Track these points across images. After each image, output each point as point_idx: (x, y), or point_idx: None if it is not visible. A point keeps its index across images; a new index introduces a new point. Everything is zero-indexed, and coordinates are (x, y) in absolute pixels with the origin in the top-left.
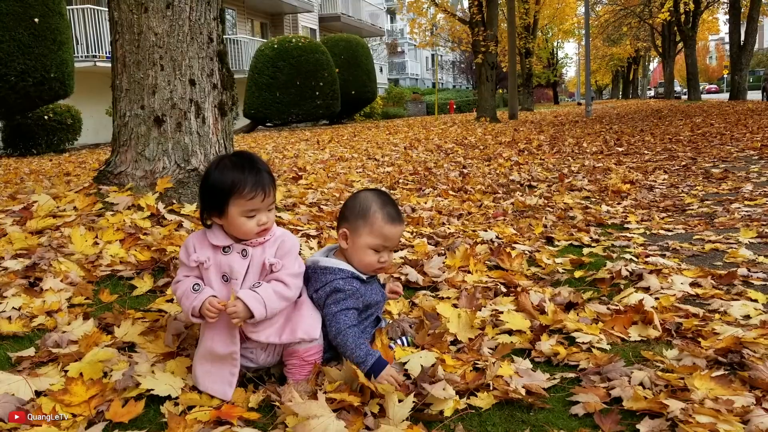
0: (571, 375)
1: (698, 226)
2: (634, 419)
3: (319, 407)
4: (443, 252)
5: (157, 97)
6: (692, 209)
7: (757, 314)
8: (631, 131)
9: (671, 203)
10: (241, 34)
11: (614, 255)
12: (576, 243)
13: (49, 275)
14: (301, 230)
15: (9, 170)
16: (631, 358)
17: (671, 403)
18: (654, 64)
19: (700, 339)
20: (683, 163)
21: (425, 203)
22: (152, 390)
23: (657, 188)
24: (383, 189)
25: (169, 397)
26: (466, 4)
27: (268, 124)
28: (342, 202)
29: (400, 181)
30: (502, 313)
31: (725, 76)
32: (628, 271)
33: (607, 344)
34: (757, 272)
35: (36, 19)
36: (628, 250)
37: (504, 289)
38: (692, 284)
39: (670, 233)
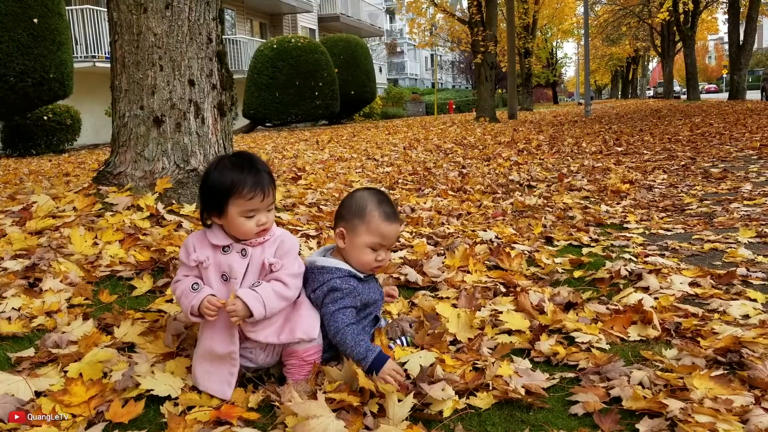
0: (571, 375)
1: (697, 226)
2: (633, 419)
3: (318, 407)
4: (442, 252)
5: (157, 98)
6: (691, 209)
7: (756, 314)
8: (631, 131)
9: (670, 203)
10: (240, 35)
11: (613, 255)
12: (575, 243)
13: (49, 276)
14: (301, 230)
15: (8, 171)
16: (631, 357)
17: (670, 402)
18: (653, 64)
19: (699, 338)
20: (682, 163)
21: (424, 203)
22: (152, 390)
23: (656, 188)
24: (380, 188)
25: (168, 398)
26: (465, 4)
27: (268, 125)
28: None
29: (400, 181)
30: (501, 313)
31: (724, 75)
32: (627, 270)
33: (607, 344)
34: (756, 272)
35: (35, 20)
36: (627, 249)
37: (503, 289)
38: (691, 284)
39: (669, 233)
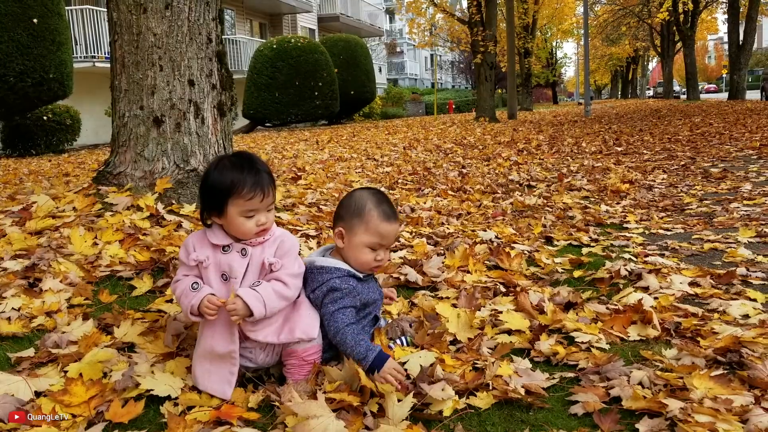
0: (571, 374)
1: (697, 226)
2: (633, 418)
3: (318, 407)
4: (442, 252)
5: (156, 98)
6: (691, 209)
7: (756, 313)
8: (630, 131)
9: (670, 203)
10: (240, 35)
11: (613, 254)
12: (575, 243)
13: (49, 276)
14: (301, 230)
15: (8, 171)
16: (630, 357)
17: (670, 402)
18: (653, 64)
19: (699, 338)
20: (682, 163)
21: (424, 203)
22: (152, 390)
23: (656, 188)
24: (379, 188)
25: (168, 398)
26: (464, 4)
27: (267, 125)
28: None
29: (399, 181)
30: (501, 312)
31: (724, 75)
32: (627, 270)
33: (606, 344)
34: (755, 271)
35: (35, 20)
36: (627, 249)
37: (503, 289)
38: (691, 284)
39: (669, 233)
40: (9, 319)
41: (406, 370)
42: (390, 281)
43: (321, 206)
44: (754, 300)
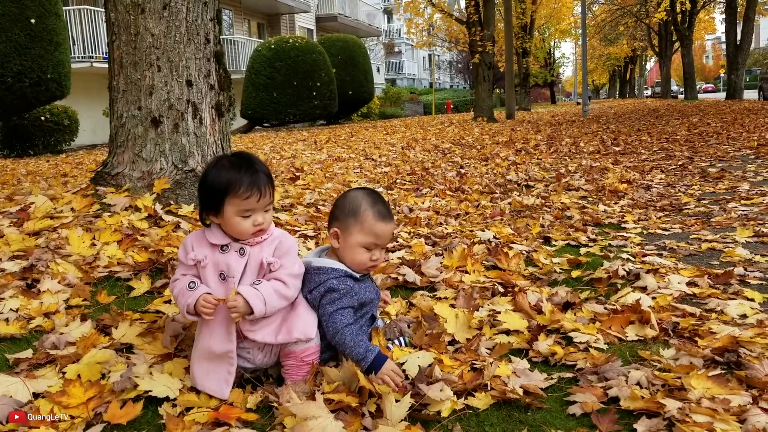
0: (569, 375)
1: (695, 226)
2: (631, 419)
3: (317, 408)
4: (441, 252)
5: (154, 98)
6: (689, 209)
7: (754, 313)
8: (628, 131)
9: (668, 203)
10: (238, 35)
11: (611, 254)
12: (573, 243)
13: (47, 277)
14: (299, 231)
15: (6, 171)
16: (629, 357)
17: (668, 402)
18: (651, 64)
19: (696, 338)
20: (680, 163)
21: (423, 203)
22: (150, 391)
23: (654, 188)
24: (375, 188)
25: (167, 399)
26: (462, 4)
27: (266, 125)
28: None
29: (398, 181)
30: (499, 313)
31: (722, 75)
32: (625, 270)
33: (605, 344)
34: (753, 271)
35: (32, 20)
36: (625, 249)
37: (501, 289)
38: (689, 284)
39: (667, 233)
40: (7, 320)
41: (404, 370)
42: (388, 281)
43: (319, 206)
44: (752, 300)
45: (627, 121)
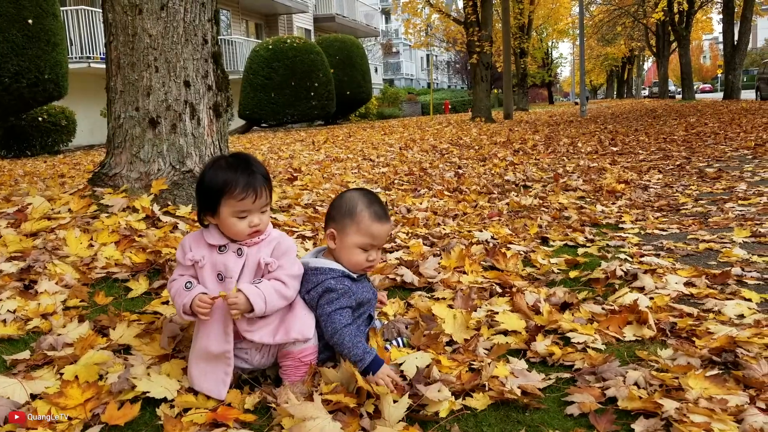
0: (567, 375)
1: (692, 226)
2: (629, 419)
3: (314, 409)
4: (439, 253)
5: (152, 99)
6: (686, 209)
7: (751, 313)
8: (626, 131)
9: (666, 203)
10: (236, 35)
11: (609, 255)
12: (571, 243)
13: (44, 278)
14: (297, 231)
15: (3, 172)
16: (626, 357)
17: (666, 402)
18: (648, 64)
19: (694, 338)
20: (678, 163)
21: (420, 204)
22: (148, 392)
23: (651, 188)
24: (373, 188)
25: (164, 400)
26: (460, 5)
27: (263, 125)
28: None
29: (396, 181)
30: (497, 313)
31: (719, 75)
32: (622, 270)
33: (602, 344)
34: (751, 271)
35: (30, 21)
36: (622, 249)
37: (499, 290)
38: (687, 284)
39: (664, 233)
40: (4, 321)
41: (402, 371)
42: (386, 282)
43: (317, 207)
44: (749, 300)
45: (624, 121)
